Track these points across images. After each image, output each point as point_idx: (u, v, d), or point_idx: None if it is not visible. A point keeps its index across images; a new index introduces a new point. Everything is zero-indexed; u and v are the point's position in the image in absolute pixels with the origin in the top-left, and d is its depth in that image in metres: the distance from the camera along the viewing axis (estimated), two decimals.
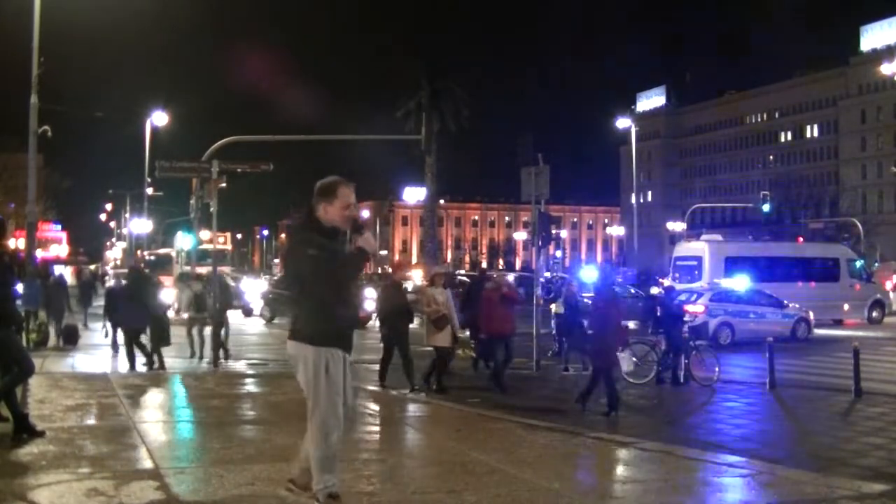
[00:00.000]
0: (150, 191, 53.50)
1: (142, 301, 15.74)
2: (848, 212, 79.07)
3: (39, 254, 36.55)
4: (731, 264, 29.05)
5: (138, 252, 58.42)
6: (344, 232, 5.25)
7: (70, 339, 20.15)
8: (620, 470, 7.55)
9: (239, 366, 16.93)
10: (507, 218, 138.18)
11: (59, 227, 63.65)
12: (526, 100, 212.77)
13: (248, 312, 33.81)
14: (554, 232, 27.96)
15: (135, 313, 15.67)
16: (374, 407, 10.85)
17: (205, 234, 23.84)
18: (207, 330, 17.21)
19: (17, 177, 44.19)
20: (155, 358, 15.40)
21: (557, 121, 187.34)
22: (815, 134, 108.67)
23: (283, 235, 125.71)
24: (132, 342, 15.72)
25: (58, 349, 19.44)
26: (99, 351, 19.32)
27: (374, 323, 15.12)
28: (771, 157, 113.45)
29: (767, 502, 6.41)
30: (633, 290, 32.60)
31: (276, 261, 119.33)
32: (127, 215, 71.83)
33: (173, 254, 46.36)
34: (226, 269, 39.13)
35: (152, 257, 50.56)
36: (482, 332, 14.55)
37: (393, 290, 14.33)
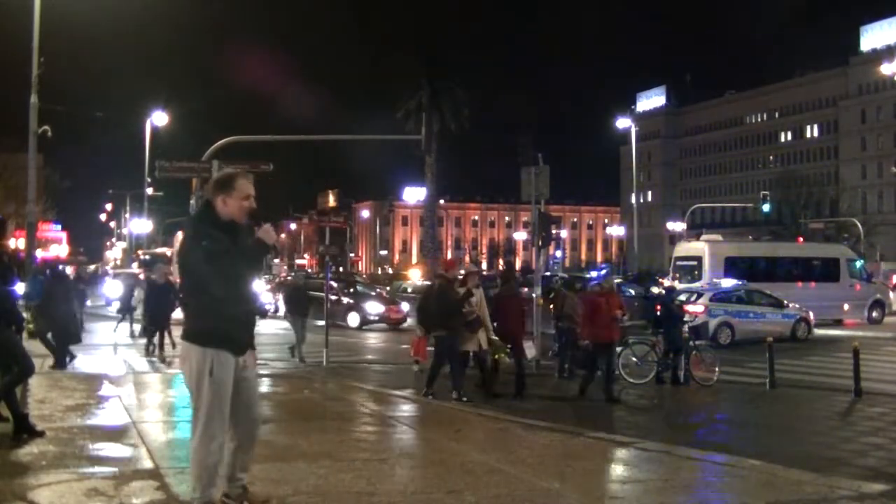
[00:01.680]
0: (150, 191, 53.53)
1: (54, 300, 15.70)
2: (848, 212, 79.03)
3: (39, 254, 36.57)
4: (731, 264, 29.06)
5: (138, 252, 58.43)
6: (246, 226, 5.06)
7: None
8: (620, 470, 7.55)
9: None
10: (507, 218, 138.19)
11: (59, 227, 63.63)
12: (526, 100, 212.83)
13: (262, 314, 33.77)
14: (554, 232, 27.97)
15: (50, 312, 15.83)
16: (375, 407, 10.85)
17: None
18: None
19: (17, 177, 44.11)
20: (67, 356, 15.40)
21: (557, 121, 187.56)
22: (815, 134, 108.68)
23: (282, 235, 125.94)
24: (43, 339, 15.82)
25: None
26: (99, 351, 19.32)
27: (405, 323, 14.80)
28: (771, 157, 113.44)
29: (767, 502, 6.41)
30: (632, 290, 32.62)
31: (276, 261, 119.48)
32: (127, 215, 71.85)
33: (168, 253, 46.35)
34: None
35: (147, 256, 50.62)
36: (584, 337, 13.42)
37: (447, 289, 12.95)
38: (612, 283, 14.85)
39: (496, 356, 13.34)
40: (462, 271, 15.38)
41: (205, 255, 4.85)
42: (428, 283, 16.38)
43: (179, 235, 37.39)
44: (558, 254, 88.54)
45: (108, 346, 20.28)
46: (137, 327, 21.73)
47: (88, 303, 30.18)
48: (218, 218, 4.98)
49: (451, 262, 14.37)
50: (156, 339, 17.89)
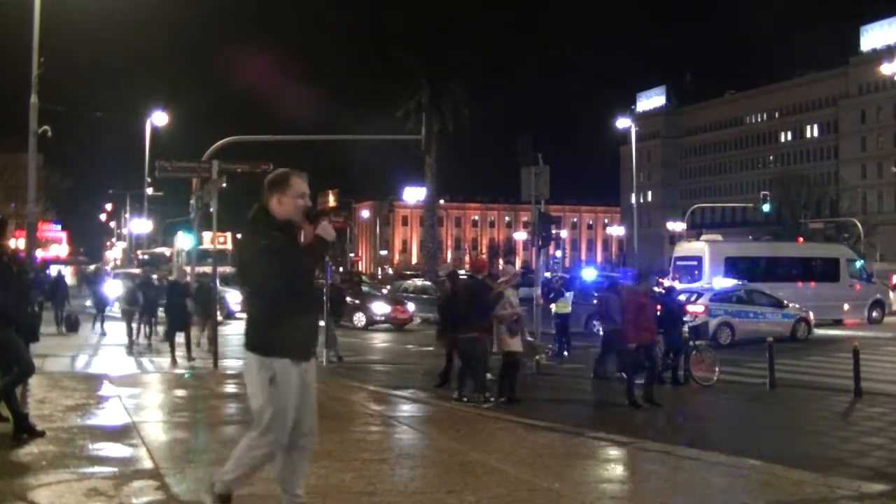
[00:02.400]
0: (150, 191, 53.51)
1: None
2: (848, 212, 79.03)
3: (39, 254, 36.63)
4: (731, 264, 29.06)
5: (137, 252, 58.49)
6: (298, 226, 4.88)
7: (72, 327, 22.93)
8: (620, 470, 7.55)
9: (239, 366, 16.90)
10: (507, 218, 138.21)
11: (59, 227, 63.69)
12: (526, 100, 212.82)
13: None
14: (554, 232, 27.95)
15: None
16: (375, 407, 10.85)
17: (207, 235, 23.94)
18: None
19: (17, 177, 44.18)
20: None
21: (557, 121, 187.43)
22: (815, 134, 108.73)
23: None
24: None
25: (61, 335, 22.02)
26: (99, 351, 19.34)
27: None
28: (771, 157, 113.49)
29: (767, 502, 6.41)
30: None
31: None
32: (127, 215, 71.84)
33: (168, 253, 46.36)
34: (227, 269, 39.06)
35: (146, 256, 50.65)
36: (629, 340, 12.92)
37: (480, 289, 12.60)
38: (650, 285, 14.60)
39: (535, 360, 13.09)
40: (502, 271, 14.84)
41: (268, 253, 4.66)
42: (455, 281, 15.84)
43: (180, 236, 37.40)
44: (558, 254, 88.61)
45: (107, 346, 20.31)
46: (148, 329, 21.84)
47: (88, 302, 30.20)
48: (273, 218, 4.80)
49: (482, 261, 14.00)
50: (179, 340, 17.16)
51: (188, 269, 20.24)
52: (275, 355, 4.70)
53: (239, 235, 4.99)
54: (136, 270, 31.47)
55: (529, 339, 12.82)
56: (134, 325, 20.26)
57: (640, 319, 12.67)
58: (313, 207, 5.00)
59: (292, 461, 4.88)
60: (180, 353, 16.81)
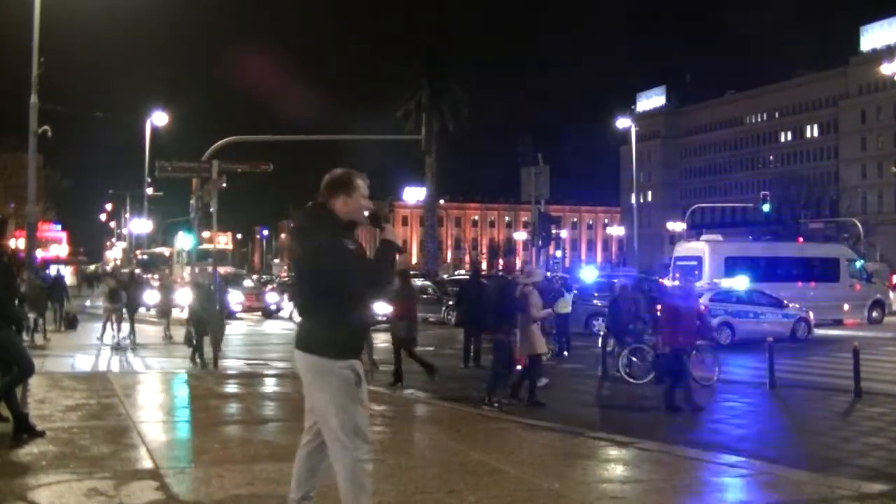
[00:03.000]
0: (150, 191, 53.52)
1: None
2: (848, 212, 79.08)
3: (39, 254, 36.63)
4: (731, 264, 29.05)
5: (136, 252, 58.55)
6: (356, 227, 4.73)
7: (71, 324, 24.13)
8: (620, 470, 7.55)
9: (239, 366, 16.93)
10: (507, 218, 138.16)
11: (59, 227, 63.69)
12: (526, 100, 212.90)
13: (268, 314, 33.91)
14: (554, 232, 27.97)
15: None
16: (375, 407, 10.84)
17: (207, 235, 23.96)
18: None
19: (17, 177, 44.22)
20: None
21: (557, 121, 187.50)
22: (815, 134, 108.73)
23: (283, 235, 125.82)
24: None
25: (59, 332, 23.22)
26: (99, 351, 19.34)
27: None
28: (771, 157, 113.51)
29: (767, 502, 6.41)
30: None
31: (276, 261, 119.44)
32: (127, 215, 71.85)
33: (167, 253, 46.39)
34: (228, 269, 39.07)
35: (144, 256, 50.68)
36: (666, 344, 12.51)
37: (513, 291, 12.30)
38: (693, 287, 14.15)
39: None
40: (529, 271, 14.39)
41: (357, 260, 4.56)
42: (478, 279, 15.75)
43: (181, 236, 37.31)
44: (558, 254, 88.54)
45: (108, 346, 20.31)
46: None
47: (88, 303, 30.23)
48: (338, 219, 4.61)
49: (511, 261, 13.80)
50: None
51: (197, 269, 20.20)
52: (355, 357, 4.56)
53: (306, 238, 4.60)
54: (137, 270, 32.20)
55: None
56: (113, 324, 21.03)
57: (677, 322, 12.27)
58: (379, 210, 4.86)
59: (318, 461, 4.69)
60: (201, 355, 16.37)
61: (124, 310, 21.37)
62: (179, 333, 20.44)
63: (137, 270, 34.29)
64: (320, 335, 4.49)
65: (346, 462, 4.42)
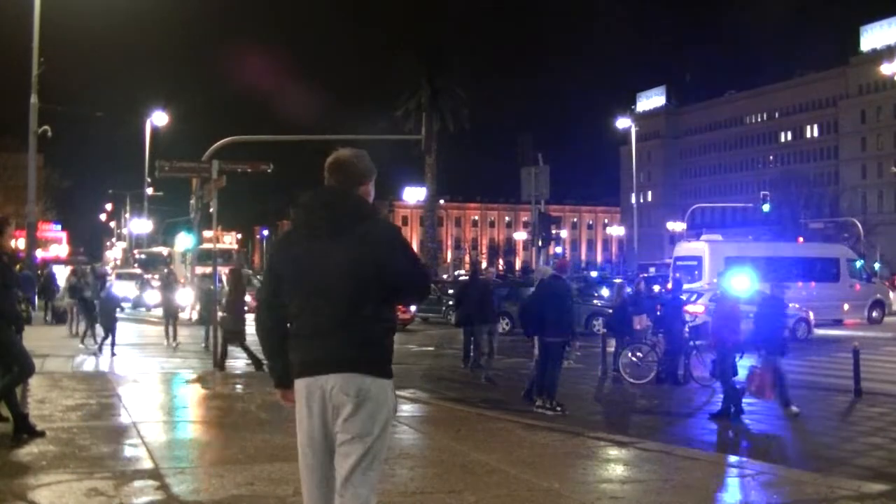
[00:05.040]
0: (150, 191, 53.57)
1: None
2: (848, 212, 79.03)
3: (39, 254, 36.64)
4: (731, 264, 29.02)
5: (134, 252, 58.61)
6: None
7: (60, 319, 25.01)
8: (620, 470, 7.55)
9: (241, 366, 16.92)
10: (507, 218, 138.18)
11: (59, 227, 63.65)
12: (526, 100, 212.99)
13: None
14: (554, 232, 27.96)
15: None
16: None
17: (209, 234, 24.00)
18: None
19: (17, 177, 44.21)
20: None
21: (557, 121, 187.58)
22: (815, 134, 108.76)
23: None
24: None
25: (47, 324, 24.90)
26: (100, 351, 19.32)
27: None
28: (771, 157, 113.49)
29: (767, 502, 6.41)
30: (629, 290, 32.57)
31: None
32: (127, 215, 71.89)
33: (165, 252, 46.38)
34: (246, 271, 38.99)
35: (143, 256, 50.69)
36: (715, 345, 12.30)
37: (563, 291, 11.89)
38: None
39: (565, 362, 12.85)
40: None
41: (411, 250, 3.83)
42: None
43: (181, 236, 37.20)
44: (558, 250, 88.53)
45: (108, 346, 20.31)
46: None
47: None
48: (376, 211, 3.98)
49: (564, 261, 13.43)
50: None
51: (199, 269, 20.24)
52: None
53: (393, 234, 3.75)
54: (138, 270, 32.45)
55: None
56: (75, 317, 21.95)
57: (724, 322, 12.19)
58: None
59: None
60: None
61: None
62: (182, 335, 20.46)
63: (109, 267, 34.78)
64: (375, 348, 3.62)
65: (362, 494, 3.68)
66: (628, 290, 17.98)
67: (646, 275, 35.31)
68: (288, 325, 3.72)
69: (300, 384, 3.65)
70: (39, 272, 29.20)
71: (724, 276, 14.40)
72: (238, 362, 17.44)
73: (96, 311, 19.46)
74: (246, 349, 14.84)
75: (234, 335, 14.80)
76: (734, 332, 11.90)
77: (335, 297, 3.56)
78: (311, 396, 3.61)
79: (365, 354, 3.58)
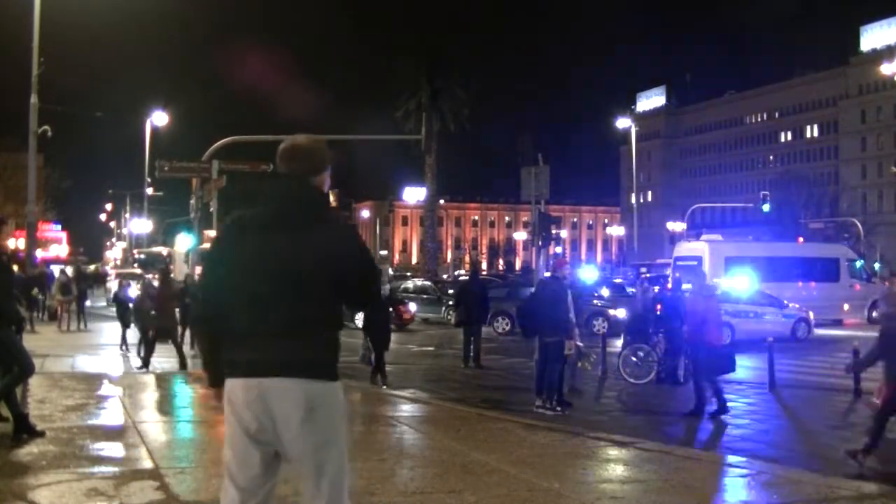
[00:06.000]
0: (150, 191, 53.59)
1: None
2: (848, 212, 79.03)
3: (39, 254, 36.64)
4: (731, 264, 29.05)
5: (133, 251, 58.62)
6: None
7: (52, 316, 25.90)
8: (620, 470, 7.54)
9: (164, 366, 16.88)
10: (507, 218, 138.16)
11: (59, 227, 63.61)
12: (526, 100, 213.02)
13: None
14: (554, 232, 27.97)
15: None
16: (375, 407, 10.84)
17: (211, 233, 24.06)
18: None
19: (17, 177, 44.17)
20: None
21: (557, 121, 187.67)
22: (815, 134, 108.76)
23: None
24: None
25: (41, 322, 25.36)
26: (100, 351, 19.33)
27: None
28: (771, 157, 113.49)
29: (767, 502, 6.41)
30: (632, 290, 32.61)
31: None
32: (127, 215, 71.92)
33: (164, 252, 46.38)
34: None
35: (142, 256, 50.70)
36: (708, 342, 11.78)
37: (565, 292, 11.81)
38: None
39: (581, 364, 12.76)
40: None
41: (366, 247, 3.68)
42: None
43: (181, 236, 37.23)
44: (558, 250, 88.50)
45: (108, 346, 20.29)
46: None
47: (88, 303, 30.24)
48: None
49: (562, 260, 13.37)
50: None
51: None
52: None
53: (350, 232, 3.59)
54: (138, 270, 32.94)
55: (579, 343, 12.40)
56: (63, 314, 23.94)
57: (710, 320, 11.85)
58: None
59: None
60: None
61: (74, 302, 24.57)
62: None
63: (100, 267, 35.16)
64: (323, 350, 3.38)
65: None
66: (656, 288, 17.78)
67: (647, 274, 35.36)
68: (228, 321, 3.40)
69: (235, 384, 3.34)
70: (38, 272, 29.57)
71: (699, 273, 14.18)
72: (162, 362, 17.28)
73: (129, 315, 19.71)
74: (177, 346, 15.34)
75: (165, 332, 15.33)
76: (711, 329, 11.81)
77: (283, 294, 3.30)
78: (248, 398, 3.30)
79: (312, 357, 3.33)
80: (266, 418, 3.29)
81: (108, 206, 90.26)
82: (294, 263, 3.30)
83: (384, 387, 13.38)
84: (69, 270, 29.31)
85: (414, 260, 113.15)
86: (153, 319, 15.71)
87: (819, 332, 25.34)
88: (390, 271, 55.16)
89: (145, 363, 15.42)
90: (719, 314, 12.31)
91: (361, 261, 3.47)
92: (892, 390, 8.19)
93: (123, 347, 18.76)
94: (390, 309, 15.71)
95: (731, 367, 11.89)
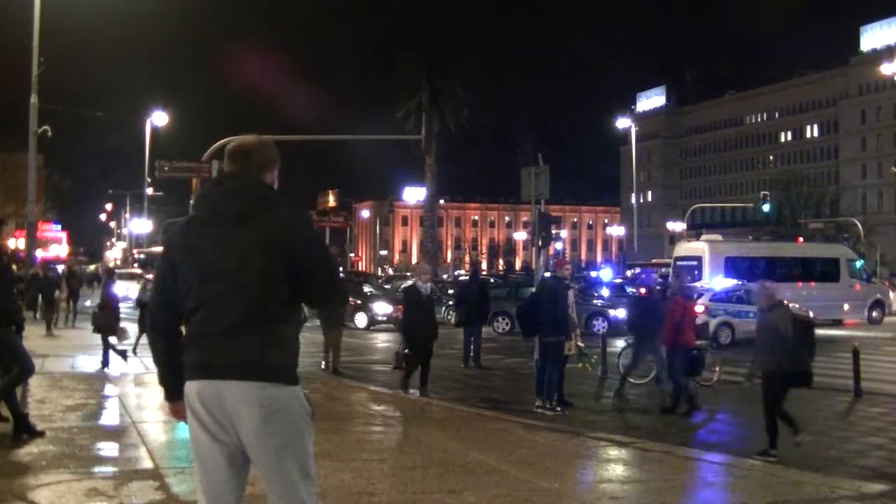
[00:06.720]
0: (150, 191, 53.58)
1: None
2: (848, 212, 79.05)
3: (39, 254, 36.66)
4: (731, 264, 29.06)
5: (133, 251, 58.64)
6: None
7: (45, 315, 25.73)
8: (620, 470, 7.55)
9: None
10: (507, 218, 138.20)
11: (59, 227, 63.65)
12: (526, 100, 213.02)
13: None
14: (554, 232, 27.98)
15: None
16: (375, 407, 10.84)
17: None
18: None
19: (17, 177, 44.19)
20: None
21: (557, 121, 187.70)
22: (815, 134, 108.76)
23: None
24: None
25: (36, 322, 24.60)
26: (100, 351, 19.29)
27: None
28: (771, 157, 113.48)
29: (767, 502, 6.41)
30: (633, 290, 32.60)
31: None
32: (127, 215, 71.95)
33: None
34: None
35: (142, 255, 50.73)
36: (684, 343, 12.13)
37: (565, 292, 11.79)
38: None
39: (581, 365, 12.72)
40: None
41: (323, 240, 3.74)
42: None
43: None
44: (559, 246, 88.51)
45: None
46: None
47: (87, 303, 30.28)
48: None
49: (562, 260, 13.35)
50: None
51: None
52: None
53: (307, 230, 3.46)
54: (139, 270, 33.23)
55: (580, 343, 12.34)
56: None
57: (692, 324, 12.13)
58: None
59: None
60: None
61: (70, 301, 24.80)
62: None
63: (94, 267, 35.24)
64: (281, 352, 3.25)
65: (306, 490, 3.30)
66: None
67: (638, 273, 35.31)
68: (182, 325, 3.30)
69: (191, 387, 3.24)
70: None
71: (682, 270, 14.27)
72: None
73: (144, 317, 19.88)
74: (111, 346, 15.38)
75: (107, 331, 15.37)
76: (688, 332, 11.96)
77: (239, 292, 3.18)
78: (204, 402, 3.21)
79: (270, 360, 3.19)
80: (225, 419, 3.21)
81: (108, 206, 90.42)
82: (250, 256, 3.20)
83: (425, 398, 12.10)
84: (59, 269, 29.56)
85: (414, 260, 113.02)
86: (99, 319, 15.82)
87: (819, 332, 25.26)
88: (390, 271, 55.13)
89: (123, 355, 15.53)
90: (695, 317, 12.46)
91: (318, 252, 3.36)
92: None
93: (135, 352, 18.62)
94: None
95: (702, 369, 12.38)
